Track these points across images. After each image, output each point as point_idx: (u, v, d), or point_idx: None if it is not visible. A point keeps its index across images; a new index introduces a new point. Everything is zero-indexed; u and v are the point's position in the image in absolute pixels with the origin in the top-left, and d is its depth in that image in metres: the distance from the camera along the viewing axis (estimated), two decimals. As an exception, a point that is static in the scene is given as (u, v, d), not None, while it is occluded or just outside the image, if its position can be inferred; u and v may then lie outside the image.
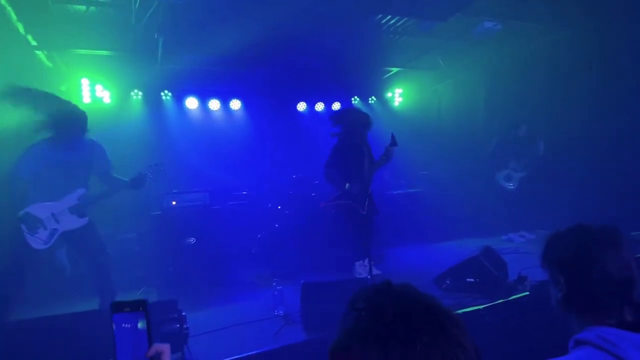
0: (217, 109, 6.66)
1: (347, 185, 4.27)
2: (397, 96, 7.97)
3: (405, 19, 5.27)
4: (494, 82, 6.72)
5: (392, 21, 5.35)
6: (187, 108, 6.47)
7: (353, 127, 4.43)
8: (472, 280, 3.58)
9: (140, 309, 0.92)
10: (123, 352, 0.90)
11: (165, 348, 0.93)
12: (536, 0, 4.80)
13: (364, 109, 7.67)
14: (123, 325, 0.91)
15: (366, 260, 4.38)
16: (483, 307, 3.12)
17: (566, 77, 5.29)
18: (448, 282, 3.70)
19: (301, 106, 7.26)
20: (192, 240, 4.40)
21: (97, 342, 2.57)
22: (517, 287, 3.44)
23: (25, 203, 3.25)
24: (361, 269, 4.40)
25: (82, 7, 4.40)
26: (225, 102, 6.71)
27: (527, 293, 3.32)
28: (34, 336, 2.56)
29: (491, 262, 3.65)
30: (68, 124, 3.33)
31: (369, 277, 3.76)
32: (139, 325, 0.91)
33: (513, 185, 5.91)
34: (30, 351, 2.47)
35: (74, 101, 5.44)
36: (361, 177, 4.31)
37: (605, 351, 1.02)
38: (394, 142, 4.00)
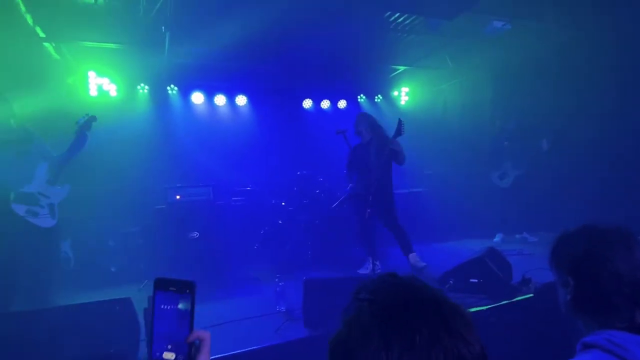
0: (222, 104, 6.66)
1: (350, 186, 4.48)
2: (403, 95, 7.94)
3: (414, 17, 5.24)
4: (502, 82, 6.66)
5: (400, 19, 5.33)
6: (193, 103, 6.47)
7: (356, 129, 4.59)
8: (476, 280, 3.55)
9: (187, 291, 0.85)
10: (160, 333, 0.85)
11: (207, 335, 0.87)
12: (546, -1, 4.76)
13: (369, 108, 7.71)
14: (164, 304, 0.85)
15: (370, 259, 4.41)
16: (486, 308, 3.10)
17: (575, 78, 5.23)
18: (451, 282, 3.68)
19: (307, 103, 7.25)
20: (196, 234, 4.41)
21: (100, 333, 2.59)
22: (521, 288, 3.42)
23: (6, 189, 3.28)
24: (366, 265, 4.47)
25: (91, 0, 4.40)
26: (231, 97, 6.71)
27: (532, 295, 3.29)
28: (38, 326, 2.57)
29: (495, 263, 3.63)
30: None
31: (370, 273, 3.76)
32: (182, 307, 0.85)
33: (507, 184, 5.84)
34: (35, 342, 2.48)
35: (81, 94, 5.53)
36: (366, 176, 4.33)
37: (614, 355, 1.00)
38: (397, 132, 4.05)
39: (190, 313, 0.85)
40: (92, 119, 3.59)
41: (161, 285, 0.86)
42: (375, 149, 4.44)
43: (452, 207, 6.08)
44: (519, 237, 5.72)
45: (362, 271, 4.48)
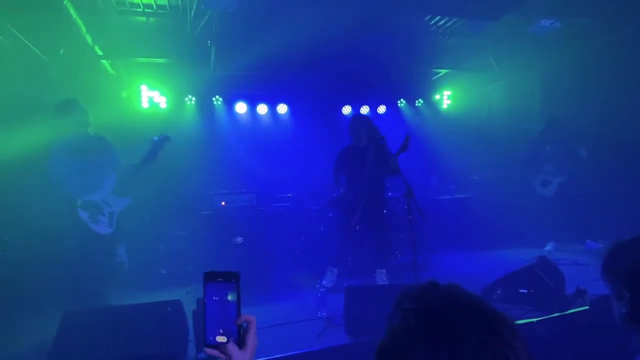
0: (264, 113, 6.85)
1: (342, 191, 4.31)
2: (445, 98, 7.76)
3: (455, 19, 5.13)
4: (552, 83, 6.34)
5: (441, 22, 5.23)
6: (237, 112, 6.70)
7: (350, 134, 4.44)
8: (526, 291, 3.39)
9: (233, 280, 0.95)
10: (212, 319, 0.95)
11: (253, 318, 0.97)
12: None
13: (409, 112, 7.61)
14: (214, 293, 0.95)
15: (335, 270, 4.32)
16: (537, 320, 2.96)
17: (631, 77, 4.89)
18: (499, 292, 3.54)
19: (346, 109, 7.28)
20: (240, 239, 4.54)
21: (152, 334, 2.73)
22: (575, 300, 3.22)
23: (76, 195, 3.50)
24: (329, 276, 4.31)
25: (143, 19, 4.71)
26: (272, 106, 6.88)
27: (587, 308, 3.10)
28: (95, 325, 2.75)
29: (547, 273, 3.45)
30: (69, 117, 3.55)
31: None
32: (229, 296, 0.95)
33: (550, 192, 5.53)
34: (92, 339, 2.65)
35: (134, 106, 5.90)
36: (358, 184, 4.21)
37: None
38: (402, 148, 3.83)
39: (237, 299, 0.95)
40: (166, 139, 3.78)
41: (210, 277, 0.96)
42: (373, 158, 4.25)
43: (499, 214, 5.85)
44: (584, 247, 5.34)
45: (326, 284, 4.24)
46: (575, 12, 4.86)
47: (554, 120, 5.67)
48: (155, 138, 3.74)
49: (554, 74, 6.25)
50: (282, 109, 6.91)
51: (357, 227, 4.16)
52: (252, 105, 6.78)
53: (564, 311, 3.09)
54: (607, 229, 4.66)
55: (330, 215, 5.38)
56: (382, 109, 7.40)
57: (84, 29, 4.66)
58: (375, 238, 4.39)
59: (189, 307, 2.87)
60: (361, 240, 4.70)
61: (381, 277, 4.26)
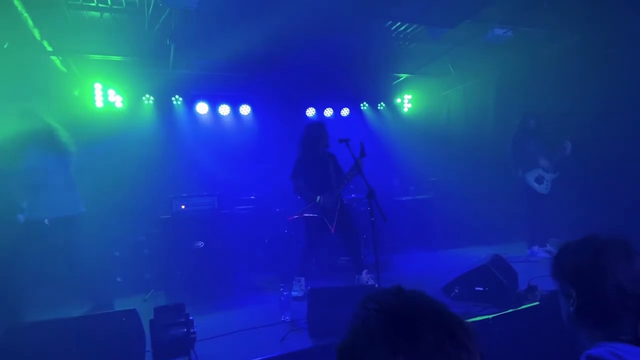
0: (226, 114, 6.72)
1: (318, 198, 4.18)
2: (406, 102, 7.97)
3: (415, 25, 5.28)
4: (504, 88, 6.67)
5: (402, 28, 5.37)
6: (198, 113, 6.53)
7: (310, 140, 4.37)
8: (481, 289, 3.53)
9: None
10: None
11: None
12: (546, 6, 4.78)
13: (372, 115, 7.74)
14: None
15: (302, 279, 4.29)
16: (492, 317, 3.08)
17: (577, 83, 5.23)
18: (456, 290, 3.67)
19: (310, 112, 7.29)
20: (201, 244, 4.42)
21: (106, 345, 2.60)
22: (527, 296, 3.39)
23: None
24: (297, 286, 4.26)
25: (97, 14, 4.48)
26: (235, 107, 6.77)
27: (538, 303, 3.27)
28: (45, 338, 2.58)
29: (500, 271, 3.61)
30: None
31: (376, 284, 3.75)
32: None
33: (546, 189, 5.25)
34: (42, 353, 2.49)
35: (88, 105, 5.60)
36: (330, 190, 4.23)
37: (618, 367, 1.00)
38: (363, 153, 3.86)
39: None
40: None
41: None
42: (334, 164, 4.36)
43: (457, 214, 6.06)
44: (527, 253, 5.36)
45: (296, 294, 4.18)
46: (525, 22, 5.15)
47: (530, 113, 5.42)
48: None
49: (505, 79, 6.58)
50: (245, 110, 6.81)
51: (333, 232, 4.15)
52: (214, 105, 6.64)
53: (516, 307, 3.24)
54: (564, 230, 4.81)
55: (295, 217, 5.35)
56: (345, 112, 7.48)
57: (30, 23, 4.36)
58: (353, 240, 4.40)
59: (146, 315, 2.76)
60: (335, 244, 4.70)
61: (368, 277, 4.29)
